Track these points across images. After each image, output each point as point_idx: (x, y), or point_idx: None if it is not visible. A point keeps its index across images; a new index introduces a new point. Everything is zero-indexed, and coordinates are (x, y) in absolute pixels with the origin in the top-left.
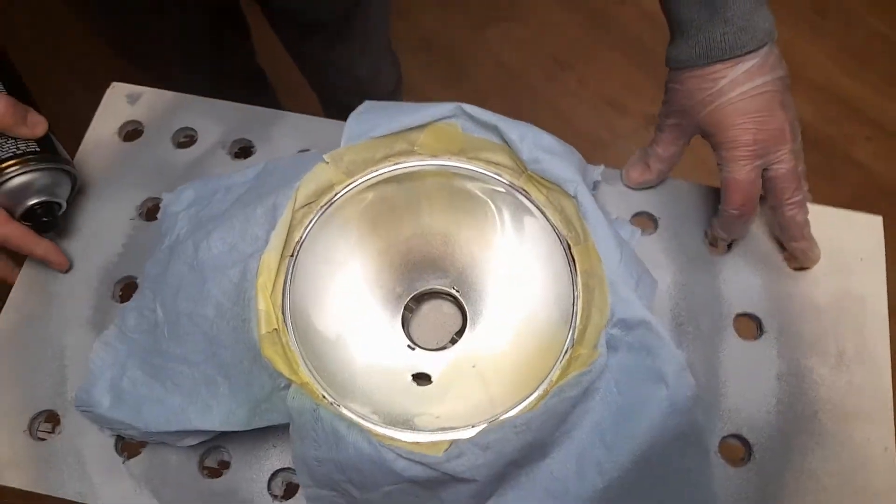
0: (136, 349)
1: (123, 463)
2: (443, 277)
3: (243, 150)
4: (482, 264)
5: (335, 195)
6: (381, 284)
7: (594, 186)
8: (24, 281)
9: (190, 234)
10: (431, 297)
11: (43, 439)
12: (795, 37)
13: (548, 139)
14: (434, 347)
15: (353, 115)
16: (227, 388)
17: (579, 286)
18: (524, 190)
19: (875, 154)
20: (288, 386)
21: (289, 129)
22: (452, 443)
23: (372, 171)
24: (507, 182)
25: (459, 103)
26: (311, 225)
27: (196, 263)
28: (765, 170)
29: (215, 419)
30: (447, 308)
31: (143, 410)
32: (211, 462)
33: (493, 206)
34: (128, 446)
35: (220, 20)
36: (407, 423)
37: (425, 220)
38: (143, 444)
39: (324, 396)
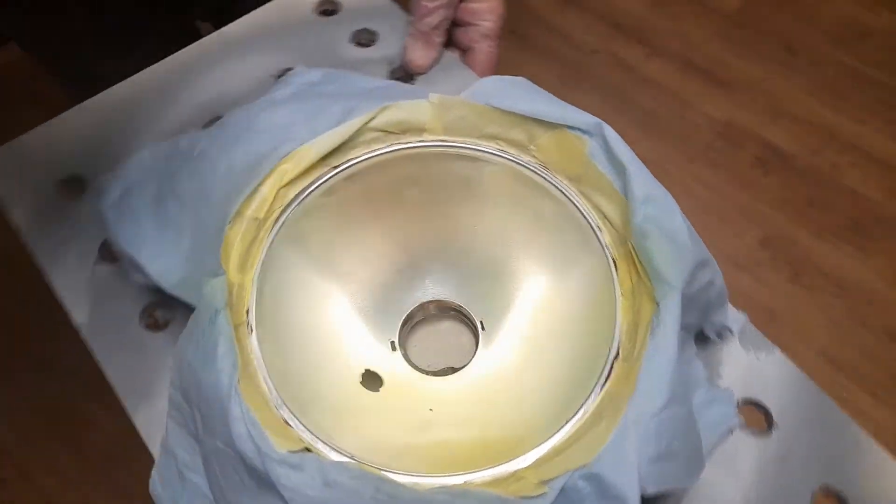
0: (167, 168)
1: (94, 265)
2: (476, 303)
3: (403, 77)
4: (522, 309)
5: (422, 142)
6: (409, 263)
7: (720, 335)
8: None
9: (281, 99)
10: (452, 315)
11: (63, 201)
12: (771, 73)
13: (677, 222)
14: (422, 367)
15: (492, 78)
16: (187, 248)
17: (590, 406)
18: (615, 262)
19: (863, 180)
20: (220, 275)
21: (459, 79)
22: (305, 449)
23: (473, 143)
24: (603, 243)
25: (603, 122)
26: (374, 153)
27: (252, 123)
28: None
29: (154, 266)
30: (464, 336)
31: (124, 223)
32: (158, 315)
33: (572, 260)
34: (109, 253)
35: None
36: (303, 405)
37: (491, 228)
38: (117, 259)
39: (246, 312)
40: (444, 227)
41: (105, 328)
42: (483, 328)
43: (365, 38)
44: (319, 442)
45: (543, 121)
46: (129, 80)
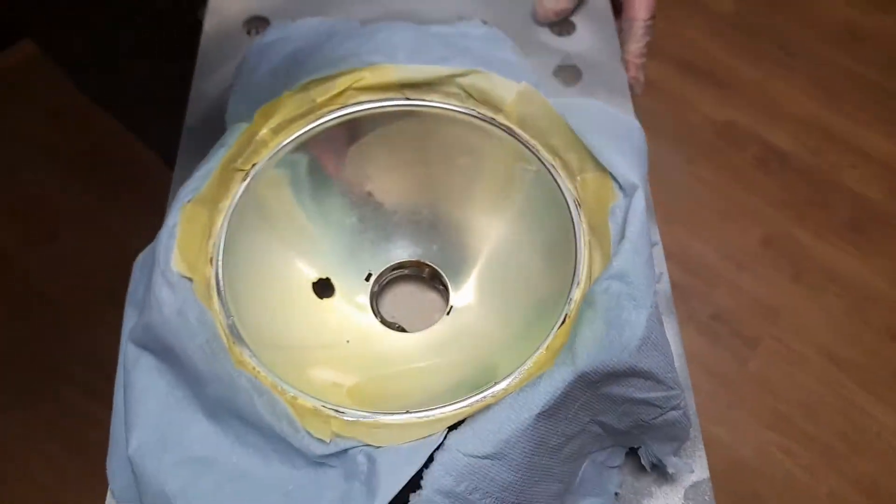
0: (315, 38)
1: (228, 88)
2: (462, 292)
3: (567, 75)
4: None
5: (492, 120)
6: (429, 220)
7: (654, 468)
8: None
9: (425, 30)
10: (439, 289)
11: (248, 33)
12: (768, 74)
13: (637, 317)
14: (382, 312)
15: (599, 104)
16: (262, 100)
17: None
18: (565, 318)
19: (862, 180)
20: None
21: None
22: (190, 279)
23: (538, 150)
24: (571, 298)
25: (640, 189)
26: (445, 105)
27: (375, 31)
28: None
29: (233, 101)
30: (436, 314)
31: (253, 62)
32: None
33: (546, 299)
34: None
35: None
36: (236, 263)
37: (512, 232)
38: None
39: (253, 165)
40: (478, 207)
41: (199, 136)
42: (448, 313)
43: (564, 29)
44: (215, 286)
45: (597, 159)
46: None
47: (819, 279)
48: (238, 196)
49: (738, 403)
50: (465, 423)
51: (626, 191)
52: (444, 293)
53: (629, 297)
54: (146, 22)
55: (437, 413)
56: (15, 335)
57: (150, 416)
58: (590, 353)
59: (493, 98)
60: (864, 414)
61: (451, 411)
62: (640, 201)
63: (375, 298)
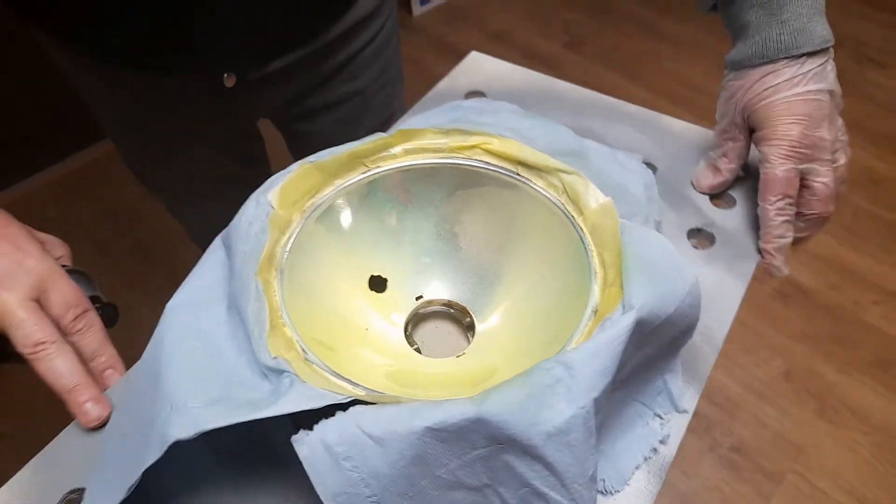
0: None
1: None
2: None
3: (702, 240)
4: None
5: (562, 206)
6: (480, 269)
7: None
8: None
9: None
10: (467, 324)
11: None
12: None
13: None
14: (421, 343)
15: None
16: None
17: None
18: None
19: (886, 318)
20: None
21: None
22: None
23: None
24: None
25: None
26: (537, 188)
27: (512, 118)
28: (804, 178)
29: None
30: (458, 350)
31: None
32: None
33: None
34: None
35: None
36: (304, 267)
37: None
38: None
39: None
40: (531, 278)
41: None
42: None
43: (724, 201)
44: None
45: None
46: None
47: (844, 416)
48: (353, 181)
49: None
50: (377, 404)
51: (625, 309)
52: (469, 333)
53: (566, 387)
54: (209, 122)
55: (383, 395)
56: (38, 426)
57: (197, 290)
58: (496, 406)
59: (581, 201)
60: None
61: (384, 395)
62: (627, 319)
63: (410, 324)
